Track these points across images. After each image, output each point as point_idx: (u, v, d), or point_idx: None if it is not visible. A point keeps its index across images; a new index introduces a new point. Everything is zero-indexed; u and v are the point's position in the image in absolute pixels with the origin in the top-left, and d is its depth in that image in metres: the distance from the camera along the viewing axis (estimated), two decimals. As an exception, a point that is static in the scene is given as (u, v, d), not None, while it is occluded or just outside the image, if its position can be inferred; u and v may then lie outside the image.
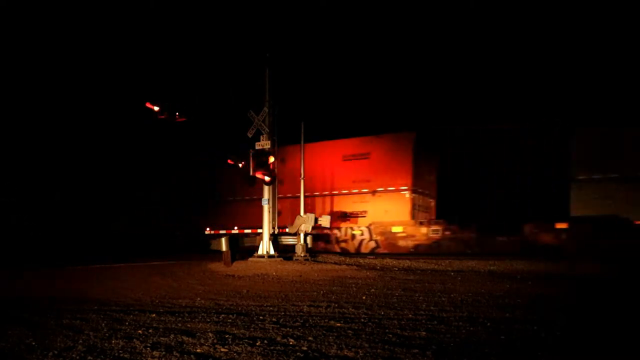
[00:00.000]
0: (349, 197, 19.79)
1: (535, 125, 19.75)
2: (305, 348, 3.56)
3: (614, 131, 13.87)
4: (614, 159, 13.60)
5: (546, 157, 19.55)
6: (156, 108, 11.77)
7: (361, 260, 12.65)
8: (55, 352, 3.56)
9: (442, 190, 21.40)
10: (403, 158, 19.10)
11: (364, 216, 19.41)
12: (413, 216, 18.76)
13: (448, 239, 17.35)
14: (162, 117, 11.90)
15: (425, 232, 17.76)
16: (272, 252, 12.49)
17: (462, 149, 22.55)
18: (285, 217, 16.90)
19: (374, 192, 19.29)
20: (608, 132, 13.65)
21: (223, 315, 5.07)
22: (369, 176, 19.28)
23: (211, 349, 3.58)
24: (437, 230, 17.55)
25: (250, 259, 12.34)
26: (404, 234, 18.04)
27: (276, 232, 12.94)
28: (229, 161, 14.03)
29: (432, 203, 21.15)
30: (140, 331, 4.26)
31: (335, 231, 19.25)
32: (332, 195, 20.05)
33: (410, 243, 17.84)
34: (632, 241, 11.99)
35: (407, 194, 18.81)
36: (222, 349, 3.56)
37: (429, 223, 18.19)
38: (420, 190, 19.57)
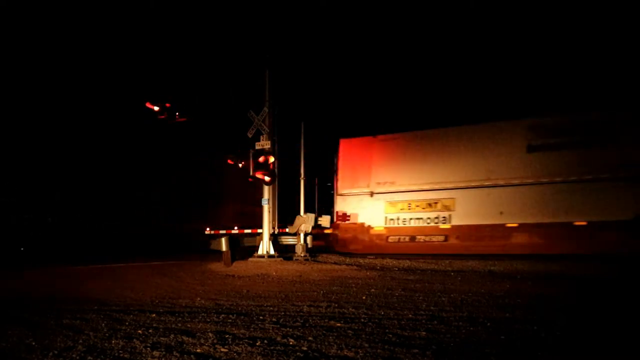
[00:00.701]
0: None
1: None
2: (305, 348, 3.56)
3: (365, 140, 16.32)
4: (364, 177, 16.67)
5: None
6: (156, 108, 11.77)
7: (361, 260, 12.65)
8: (55, 352, 3.56)
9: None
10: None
11: None
12: None
13: None
14: (162, 117, 11.90)
15: None
16: (272, 252, 12.48)
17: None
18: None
19: None
20: (361, 142, 16.04)
21: (223, 315, 5.07)
22: None
23: (211, 349, 3.58)
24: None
25: (250, 259, 12.34)
26: None
27: (276, 232, 12.95)
28: (229, 161, 14.03)
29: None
30: (140, 331, 4.26)
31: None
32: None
33: None
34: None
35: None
36: (222, 349, 3.56)
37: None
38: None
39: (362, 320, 4.67)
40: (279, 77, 13.23)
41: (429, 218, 15.75)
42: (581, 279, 8.41)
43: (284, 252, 12.96)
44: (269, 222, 12.72)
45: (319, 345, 3.62)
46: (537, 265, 10.63)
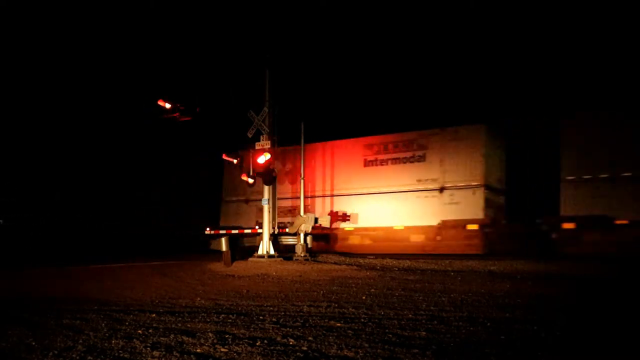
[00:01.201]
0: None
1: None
2: (305, 348, 3.56)
3: (243, 153, 17.30)
4: (242, 186, 17.92)
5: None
6: (168, 106, 11.82)
7: (361, 260, 12.65)
8: (55, 352, 3.56)
9: None
10: None
11: None
12: None
13: None
14: (174, 115, 11.96)
15: None
16: (272, 252, 12.48)
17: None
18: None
19: None
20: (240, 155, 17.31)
21: (223, 315, 5.07)
22: None
23: (211, 349, 3.58)
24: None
25: (250, 259, 12.34)
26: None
27: (276, 232, 12.95)
28: (224, 156, 14.14)
29: None
30: (140, 331, 4.27)
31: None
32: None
33: None
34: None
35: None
36: (222, 349, 3.56)
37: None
38: None
39: (362, 320, 4.67)
40: (279, 77, 13.22)
41: (288, 222, 17.57)
42: (581, 279, 8.41)
43: (284, 252, 12.97)
44: (269, 222, 12.72)
45: (319, 345, 3.63)
46: (537, 265, 10.63)
